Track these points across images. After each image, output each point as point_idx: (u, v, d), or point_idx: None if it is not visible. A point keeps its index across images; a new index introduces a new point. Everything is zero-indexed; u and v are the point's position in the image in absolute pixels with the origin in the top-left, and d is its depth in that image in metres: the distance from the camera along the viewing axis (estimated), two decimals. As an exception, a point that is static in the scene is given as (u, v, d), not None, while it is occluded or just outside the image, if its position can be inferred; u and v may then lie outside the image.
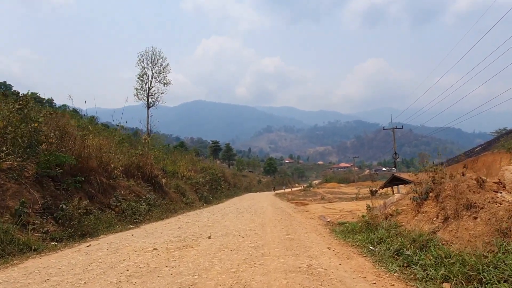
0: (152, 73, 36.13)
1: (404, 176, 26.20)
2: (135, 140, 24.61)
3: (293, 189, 67.70)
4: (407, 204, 7.55)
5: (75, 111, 37.76)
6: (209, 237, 7.27)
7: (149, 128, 35.13)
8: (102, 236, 8.61)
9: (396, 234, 6.34)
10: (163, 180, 18.69)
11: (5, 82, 52.14)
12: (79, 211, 9.28)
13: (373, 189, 25.70)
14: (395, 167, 35.61)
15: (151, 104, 35.88)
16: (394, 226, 6.80)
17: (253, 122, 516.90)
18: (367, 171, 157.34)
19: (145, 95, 35.76)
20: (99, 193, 11.86)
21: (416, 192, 7.23)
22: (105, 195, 12.19)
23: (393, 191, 28.24)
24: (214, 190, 34.09)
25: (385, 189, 28.02)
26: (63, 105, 35.17)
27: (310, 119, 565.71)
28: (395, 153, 35.36)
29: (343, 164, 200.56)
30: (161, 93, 36.20)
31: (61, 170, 9.99)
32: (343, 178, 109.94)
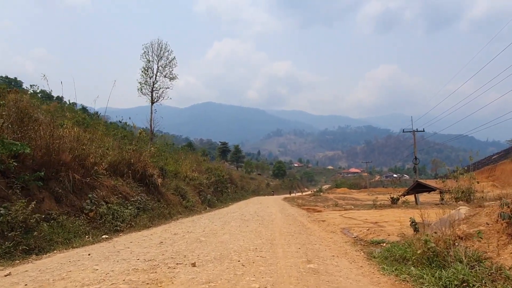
0: (158, 66, 34.17)
1: (430, 183, 23.54)
2: (137, 137, 22.55)
3: (303, 193, 65.30)
4: (487, 224, 5.12)
5: (83, 108, 36.14)
6: (194, 264, 4.94)
7: (152, 125, 33.15)
8: (54, 252, 6.36)
9: (490, 275, 3.94)
10: (159, 180, 16.44)
11: (15, 78, 50.68)
12: (35, 216, 7.08)
13: (395, 196, 23.05)
14: (415, 172, 32.88)
15: (155, 100, 33.92)
16: (476, 258, 4.41)
17: (263, 125, 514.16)
18: (377, 177, 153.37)
19: (149, 90, 33.81)
20: (72, 193, 9.66)
21: (508, 207, 4.80)
22: (80, 196, 9.97)
23: (416, 198, 25.62)
24: (220, 193, 31.86)
25: (406, 196, 25.38)
26: (72, 102, 33.40)
27: (320, 124, 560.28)
28: (415, 158, 32.64)
29: (353, 170, 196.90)
30: (166, 88, 34.23)
31: (15, 163, 7.79)
32: (354, 184, 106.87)
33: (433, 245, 4.63)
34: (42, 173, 8.25)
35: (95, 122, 15.20)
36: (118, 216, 10.58)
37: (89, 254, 5.83)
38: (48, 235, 7.15)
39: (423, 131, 33.47)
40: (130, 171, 14.31)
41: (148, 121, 31.95)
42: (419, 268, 4.63)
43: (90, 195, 9.45)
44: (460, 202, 19.72)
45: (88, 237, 8.17)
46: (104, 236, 8.54)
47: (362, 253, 6.19)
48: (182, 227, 10.35)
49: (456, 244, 5.03)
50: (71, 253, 6.17)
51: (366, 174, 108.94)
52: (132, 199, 12.68)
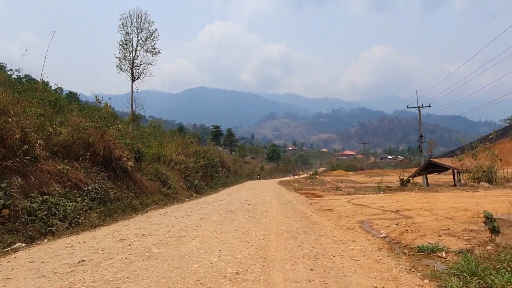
0: (138, 40, 30.77)
1: (446, 162, 21.01)
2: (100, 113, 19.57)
3: (299, 176, 63.21)
4: None
5: (71, 93, 32.86)
6: None
7: (133, 105, 30.00)
8: None
9: None
10: (130, 164, 13.56)
11: (-3, 63, 46.58)
12: None
13: (405, 178, 20.38)
14: (420, 151, 30.38)
15: (136, 77, 30.66)
16: None
17: (256, 109, 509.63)
18: (372, 159, 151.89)
19: (129, 66, 30.45)
20: (-20, 182, 6.78)
21: None
22: (-2, 186, 7.11)
23: (426, 180, 23.15)
24: (209, 178, 29.15)
25: (415, 178, 22.86)
26: (58, 87, 30.73)
27: (313, 106, 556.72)
28: (421, 136, 30.04)
29: (347, 152, 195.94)
30: (148, 64, 30.88)
31: None
32: (349, 166, 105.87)
33: None
34: None
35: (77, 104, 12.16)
36: (58, 212, 7.80)
37: None
38: None
39: (429, 106, 30.82)
40: (88, 153, 11.44)
41: (125, 101, 28.79)
42: None
43: (4, 184, 6.56)
44: (482, 182, 17.27)
45: (-12, 249, 5.38)
46: (17, 245, 5.75)
47: (426, 280, 3.47)
48: (142, 225, 7.57)
49: None
50: None
51: (362, 156, 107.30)
52: (87, 187, 9.86)
